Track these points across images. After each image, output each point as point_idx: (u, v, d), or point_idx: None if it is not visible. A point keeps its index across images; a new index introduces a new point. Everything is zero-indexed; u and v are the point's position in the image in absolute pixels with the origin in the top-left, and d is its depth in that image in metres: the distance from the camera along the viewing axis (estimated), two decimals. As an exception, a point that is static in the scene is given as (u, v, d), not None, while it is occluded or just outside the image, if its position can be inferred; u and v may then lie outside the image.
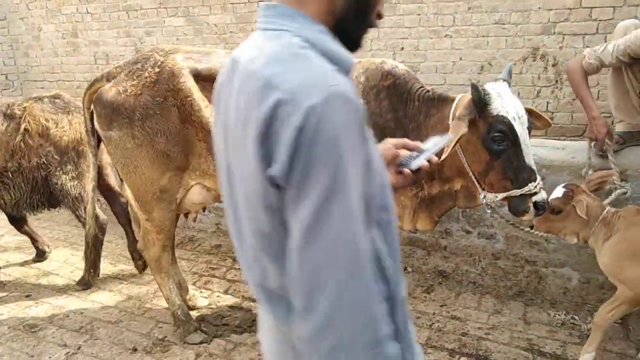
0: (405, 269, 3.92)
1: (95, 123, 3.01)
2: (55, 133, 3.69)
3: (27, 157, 3.67)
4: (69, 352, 3.12)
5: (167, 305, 3.54)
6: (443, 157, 2.22)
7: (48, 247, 4.39)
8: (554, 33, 4.07)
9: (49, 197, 3.83)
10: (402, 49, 4.57)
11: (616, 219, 2.59)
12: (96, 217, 3.69)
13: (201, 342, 3.14)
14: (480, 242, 3.64)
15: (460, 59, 4.43)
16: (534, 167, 2.37)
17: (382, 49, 4.65)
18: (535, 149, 3.43)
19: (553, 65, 4.15)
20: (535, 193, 2.35)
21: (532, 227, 2.77)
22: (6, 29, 6.96)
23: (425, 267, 3.87)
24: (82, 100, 3.06)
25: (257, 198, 0.96)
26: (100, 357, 3.07)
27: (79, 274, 4.04)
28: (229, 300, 3.65)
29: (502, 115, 2.30)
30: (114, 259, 4.37)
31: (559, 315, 3.24)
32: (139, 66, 2.88)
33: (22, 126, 3.65)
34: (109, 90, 2.87)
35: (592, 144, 3.19)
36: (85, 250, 3.86)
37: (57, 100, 3.84)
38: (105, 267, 4.20)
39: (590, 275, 3.34)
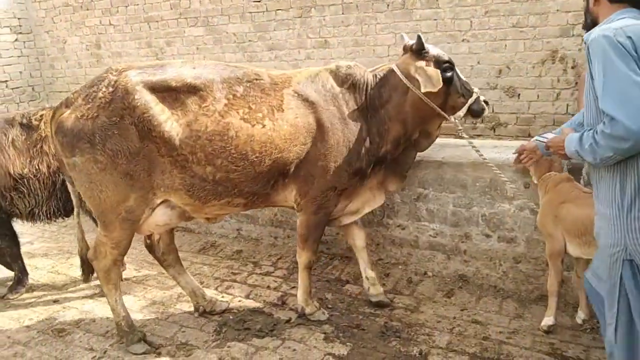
0: (425, 273, 3.93)
1: (59, 152, 2.97)
2: None
3: (46, 163, 3.76)
4: (95, 356, 3.19)
5: (190, 310, 3.62)
6: (437, 89, 2.93)
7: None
8: (573, 35, 4.06)
9: (65, 203, 3.87)
10: (420, 54, 4.58)
11: (549, 181, 3.05)
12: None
13: (144, 353, 3.15)
14: (501, 245, 3.63)
15: (478, 62, 4.44)
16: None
17: (399, 55, 4.67)
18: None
19: (572, 68, 4.13)
20: (479, 96, 3.14)
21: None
22: (32, 42, 7.18)
23: (446, 271, 3.87)
24: (50, 131, 3.03)
25: None
26: (125, 360, 3.14)
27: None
28: (251, 304, 3.69)
29: (436, 53, 3.06)
30: (138, 264, 4.46)
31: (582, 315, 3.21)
32: (94, 89, 2.84)
33: (39, 133, 3.76)
34: (68, 118, 2.82)
35: None
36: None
37: None
38: (130, 272, 4.29)
39: (614, 278, 3.30)
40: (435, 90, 2.95)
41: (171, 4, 5.86)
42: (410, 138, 3.27)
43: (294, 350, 3.13)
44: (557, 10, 4.06)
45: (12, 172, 3.71)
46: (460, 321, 3.32)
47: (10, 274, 4.16)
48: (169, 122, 2.81)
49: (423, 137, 3.34)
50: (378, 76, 3.21)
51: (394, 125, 3.15)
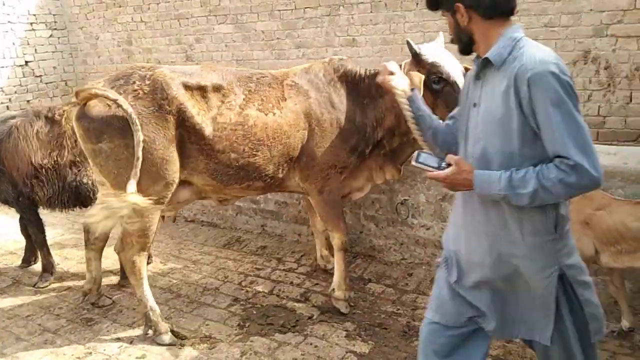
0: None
1: (81, 138, 3.07)
2: None
3: (62, 156, 3.95)
4: (122, 346, 3.27)
5: (214, 304, 3.67)
6: (421, 92, 2.57)
7: (35, 259, 4.49)
8: (607, 35, 3.96)
9: (78, 196, 4.05)
10: (448, 53, 4.55)
11: None
12: None
13: (170, 344, 3.23)
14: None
15: (508, 62, 4.36)
16: None
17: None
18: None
19: (605, 69, 4.04)
20: None
21: None
22: (66, 37, 7.36)
23: (470, 272, 3.83)
24: (73, 125, 3.15)
25: None
26: (150, 351, 3.20)
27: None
28: (274, 300, 3.73)
29: (433, 61, 2.95)
30: (164, 257, 4.54)
31: (609, 324, 3.14)
32: (121, 82, 3.03)
33: (61, 127, 3.93)
34: (95, 106, 2.96)
35: None
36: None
37: None
38: (156, 265, 4.37)
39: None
40: (404, 95, 2.48)
41: (201, 1, 5.93)
42: (406, 133, 3.24)
43: (316, 346, 3.15)
44: (591, 9, 3.97)
45: (33, 161, 3.89)
46: (484, 323, 3.28)
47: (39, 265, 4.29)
48: (200, 115, 3.07)
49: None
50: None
51: (389, 115, 3.31)
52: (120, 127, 2.92)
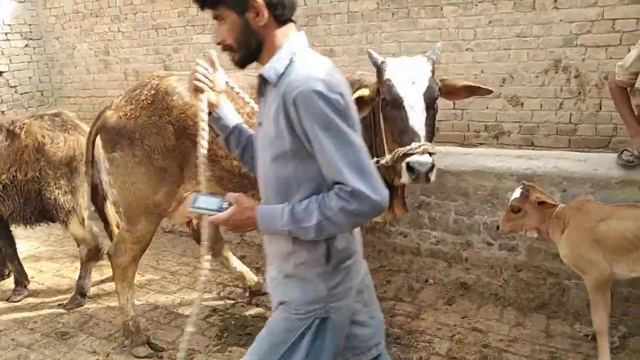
0: (426, 280, 3.93)
1: (102, 148, 3.26)
2: (50, 149, 3.79)
3: (23, 171, 3.79)
4: (98, 359, 3.23)
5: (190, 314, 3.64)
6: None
7: (8, 272, 4.42)
8: (576, 45, 4.08)
9: (42, 210, 3.92)
10: (423, 62, 4.61)
11: (566, 210, 2.81)
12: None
13: (146, 357, 3.20)
14: (502, 254, 3.63)
15: (482, 72, 4.46)
16: (420, 131, 2.33)
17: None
18: (556, 161, 3.45)
19: (576, 77, 4.15)
20: (413, 154, 2.27)
21: (497, 228, 3.06)
22: (42, 47, 7.28)
23: (447, 279, 3.87)
24: (90, 131, 3.24)
25: None
26: (127, 363, 3.17)
27: (107, 284, 4.19)
28: (253, 310, 3.72)
29: (388, 79, 2.42)
30: (142, 269, 4.48)
31: (582, 328, 3.21)
32: (137, 92, 3.07)
33: (21, 141, 3.78)
34: (112, 117, 3.07)
35: (617, 154, 3.22)
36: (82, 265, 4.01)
37: (56, 118, 3.96)
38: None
39: (615, 288, 3.30)
40: (364, 113, 2.47)
41: (179, 11, 5.93)
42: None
43: (295, 355, 3.14)
44: (561, 20, 4.08)
45: None
46: (461, 329, 3.32)
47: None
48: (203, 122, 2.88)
49: None
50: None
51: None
52: (129, 137, 3.01)
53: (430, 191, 3.81)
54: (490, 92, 2.68)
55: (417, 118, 2.34)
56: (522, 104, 4.41)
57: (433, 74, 2.46)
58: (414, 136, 2.31)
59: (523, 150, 4.17)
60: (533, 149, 4.26)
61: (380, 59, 2.49)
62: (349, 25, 4.98)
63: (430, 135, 2.39)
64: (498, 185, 3.52)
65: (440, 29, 4.54)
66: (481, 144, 4.56)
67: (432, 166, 2.27)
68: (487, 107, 4.51)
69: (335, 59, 5.11)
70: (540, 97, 4.32)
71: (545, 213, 2.87)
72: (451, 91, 2.61)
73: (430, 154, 2.29)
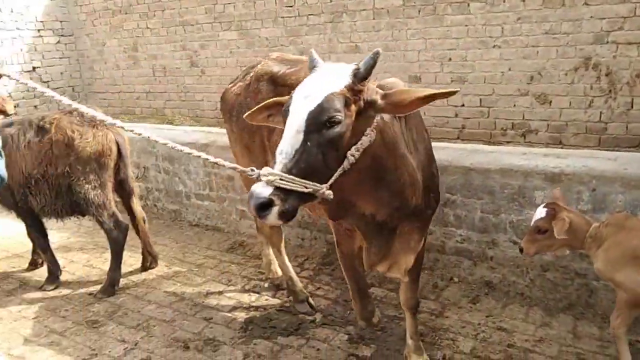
0: (451, 278, 3.92)
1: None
2: (79, 144, 3.87)
3: (53, 166, 3.89)
4: (127, 347, 3.31)
5: (217, 306, 3.72)
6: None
7: (42, 262, 4.56)
8: (607, 42, 3.99)
9: (72, 204, 4.02)
10: (450, 59, 4.59)
11: (604, 228, 2.63)
12: (117, 220, 4.06)
13: (306, 313, 3.55)
14: (528, 253, 3.59)
15: (509, 69, 4.41)
16: (279, 155, 1.81)
17: (429, 60, 4.70)
18: (585, 160, 3.40)
19: (606, 75, 4.07)
20: (260, 180, 1.78)
21: (521, 251, 2.79)
22: (73, 44, 7.45)
23: (472, 277, 3.85)
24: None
25: None
26: (155, 353, 3.24)
27: (136, 275, 4.29)
28: (277, 303, 3.76)
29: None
30: (169, 261, 4.58)
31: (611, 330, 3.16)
32: (247, 70, 3.34)
33: (51, 137, 3.88)
34: (227, 90, 3.46)
35: None
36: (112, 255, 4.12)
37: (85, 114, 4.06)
38: (161, 269, 4.41)
39: None
40: None
41: (206, 8, 6.00)
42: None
43: (318, 349, 3.18)
44: (591, 17, 4.00)
45: (24, 170, 3.88)
46: (485, 327, 3.31)
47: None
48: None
49: None
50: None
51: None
52: (229, 112, 3.36)
53: (456, 189, 3.79)
54: (453, 93, 2.02)
55: (286, 140, 1.82)
56: (551, 102, 4.34)
57: (353, 90, 1.91)
58: (272, 159, 1.86)
59: (551, 148, 4.12)
60: (562, 148, 4.20)
61: (315, 62, 2.08)
62: (375, 22, 4.97)
63: (304, 167, 1.78)
64: (525, 183, 3.48)
65: (467, 25, 4.50)
66: (508, 142, 4.51)
67: (268, 204, 1.71)
68: (514, 105, 4.46)
69: (361, 55, 5.11)
70: (569, 95, 4.25)
71: (578, 231, 2.66)
72: (400, 106, 2.01)
73: (280, 188, 1.73)
